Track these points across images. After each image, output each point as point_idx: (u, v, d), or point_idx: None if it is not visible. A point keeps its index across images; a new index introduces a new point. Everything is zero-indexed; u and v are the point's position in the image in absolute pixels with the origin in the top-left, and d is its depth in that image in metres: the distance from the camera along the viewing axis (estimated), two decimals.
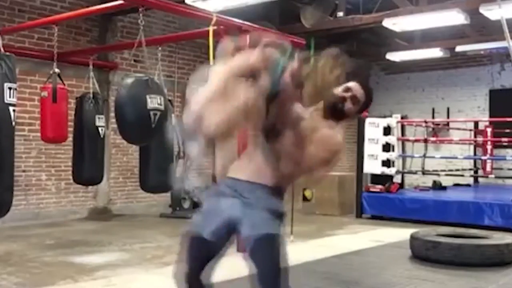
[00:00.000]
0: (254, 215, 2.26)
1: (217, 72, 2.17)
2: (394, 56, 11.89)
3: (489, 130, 11.91)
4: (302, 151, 2.21)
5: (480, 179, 12.46)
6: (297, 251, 5.31)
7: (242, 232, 2.28)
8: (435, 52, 11.27)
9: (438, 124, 13.11)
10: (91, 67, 7.30)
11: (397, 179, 10.36)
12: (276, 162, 2.29)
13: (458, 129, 12.61)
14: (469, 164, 12.35)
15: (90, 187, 8.51)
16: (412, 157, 10.27)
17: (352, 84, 2.40)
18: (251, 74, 2.14)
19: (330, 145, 2.28)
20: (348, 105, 2.37)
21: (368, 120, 9.23)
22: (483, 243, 5.20)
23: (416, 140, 10.39)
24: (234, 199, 2.31)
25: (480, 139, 12.24)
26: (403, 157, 10.69)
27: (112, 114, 6.95)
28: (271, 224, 2.27)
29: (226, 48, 2.28)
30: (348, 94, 2.37)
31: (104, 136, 7.18)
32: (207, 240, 2.30)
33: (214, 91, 2.13)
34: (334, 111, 2.36)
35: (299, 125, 2.22)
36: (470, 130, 12.55)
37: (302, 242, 6.43)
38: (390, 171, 9.33)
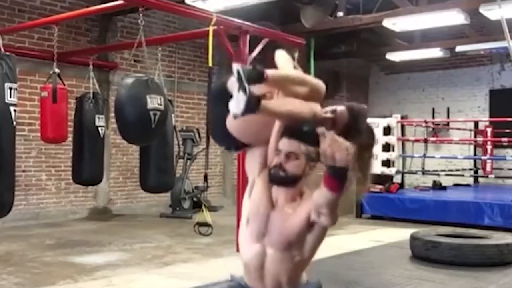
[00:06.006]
0: None
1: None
2: (394, 56, 11.88)
3: (489, 130, 11.91)
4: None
5: (480, 179, 12.46)
6: None
7: None
8: (435, 52, 11.26)
9: (438, 124, 13.11)
10: (91, 67, 7.30)
11: (397, 179, 10.34)
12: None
13: (458, 129, 12.61)
14: (469, 164, 12.35)
15: (90, 187, 8.51)
16: (412, 157, 10.27)
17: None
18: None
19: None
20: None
21: (368, 120, 9.21)
22: (483, 243, 5.20)
23: (416, 140, 10.39)
24: None
25: (480, 139, 12.24)
26: (403, 157, 10.68)
27: (112, 114, 6.94)
28: None
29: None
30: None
31: (104, 136, 7.18)
32: None
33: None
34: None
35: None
36: (470, 130, 12.55)
37: None
38: (390, 171, 9.32)
